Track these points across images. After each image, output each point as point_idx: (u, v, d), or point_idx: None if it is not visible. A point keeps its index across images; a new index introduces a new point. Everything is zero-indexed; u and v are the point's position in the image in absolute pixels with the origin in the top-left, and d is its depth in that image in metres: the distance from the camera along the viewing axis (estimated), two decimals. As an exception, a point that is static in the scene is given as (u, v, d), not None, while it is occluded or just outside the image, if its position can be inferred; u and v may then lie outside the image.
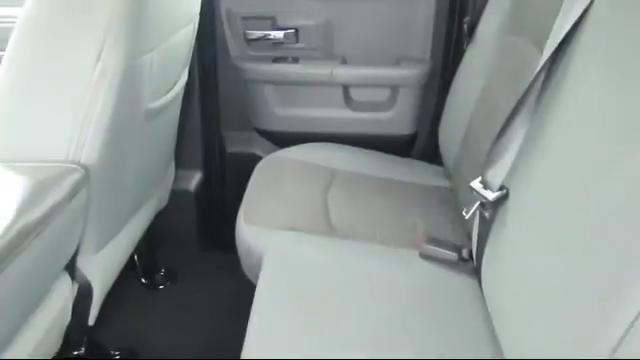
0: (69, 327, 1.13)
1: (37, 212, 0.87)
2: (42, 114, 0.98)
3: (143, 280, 1.66)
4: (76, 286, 1.12)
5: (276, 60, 1.71)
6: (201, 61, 1.61)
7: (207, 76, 1.67)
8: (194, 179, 1.74)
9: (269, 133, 1.78)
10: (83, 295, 1.14)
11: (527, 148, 0.92)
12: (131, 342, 1.44)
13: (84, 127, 0.99)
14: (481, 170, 0.99)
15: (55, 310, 1.05)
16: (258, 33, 1.68)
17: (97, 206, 1.07)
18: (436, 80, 1.71)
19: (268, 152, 1.60)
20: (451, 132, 1.47)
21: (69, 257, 1.06)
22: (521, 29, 1.21)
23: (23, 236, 0.83)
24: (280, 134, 1.74)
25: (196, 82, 1.62)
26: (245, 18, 1.67)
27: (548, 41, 0.94)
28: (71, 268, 1.10)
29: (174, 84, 1.35)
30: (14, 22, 1.00)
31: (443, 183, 1.48)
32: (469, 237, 1.13)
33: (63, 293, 1.07)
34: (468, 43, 1.48)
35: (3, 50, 1.00)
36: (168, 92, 1.30)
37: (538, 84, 0.92)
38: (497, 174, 0.96)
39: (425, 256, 1.14)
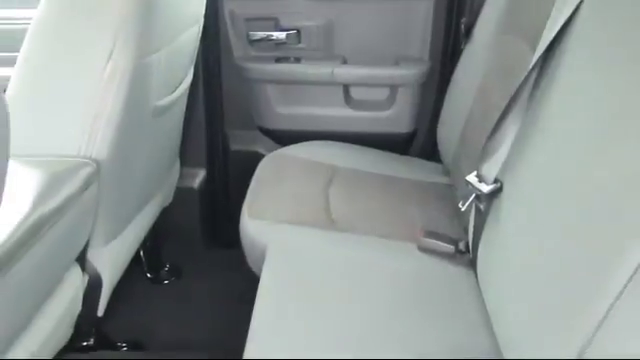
0: (79, 317, 1.17)
1: (52, 204, 0.91)
2: (56, 111, 1.01)
3: (149, 275, 1.69)
4: (86, 277, 1.16)
5: (278, 60, 1.74)
6: (205, 61, 1.64)
7: (211, 76, 1.69)
8: (198, 177, 1.76)
9: (272, 131, 1.80)
10: (93, 286, 1.18)
11: (520, 143, 0.96)
12: (137, 334, 1.46)
13: (95, 123, 1.03)
14: (477, 164, 1.03)
15: (67, 300, 1.08)
16: (261, 34, 1.71)
17: (107, 200, 1.11)
18: (434, 79, 1.74)
19: (271, 150, 1.62)
20: (449, 130, 1.50)
21: (80, 249, 1.10)
22: (516, 29, 1.25)
23: (38, 226, 0.87)
24: (282, 132, 1.77)
25: (200, 82, 1.64)
26: (248, 19, 1.71)
27: (540, 40, 0.98)
28: (82, 260, 1.13)
29: (180, 83, 1.38)
30: (28, 23, 1.05)
31: (441, 179, 1.51)
32: (466, 231, 1.16)
33: (74, 283, 1.11)
34: (465, 43, 1.51)
35: (17, 51, 1.05)
36: (174, 91, 1.33)
37: (530, 82, 0.96)
38: (491, 168, 1.00)
39: (423, 249, 1.17)
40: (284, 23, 1.72)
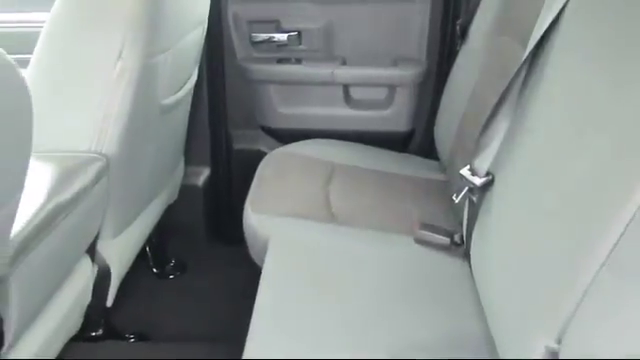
0: (89, 307, 1.21)
1: (65, 195, 0.96)
2: (68, 109, 1.06)
3: (154, 270, 1.72)
4: (96, 268, 1.20)
5: (280, 61, 1.77)
6: (209, 62, 1.67)
7: (215, 76, 1.73)
8: (202, 175, 1.80)
9: (274, 130, 1.83)
10: (102, 277, 1.22)
11: (510, 137, 1.00)
12: (144, 326, 1.50)
13: (105, 120, 1.08)
14: (470, 159, 1.07)
15: (77, 289, 1.13)
16: (263, 36, 1.74)
17: (116, 193, 1.16)
18: (431, 79, 1.77)
19: (273, 149, 1.65)
20: (446, 128, 1.54)
21: (91, 240, 1.15)
22: (509, 30, 1.29)
23: (53, 216, 0.92)
24: (284, 131, 1.80)
25: (204, 82, 1.68)
26: (251, 22, 1.74)
27: (530, 39, 1.02)
28: (92, 251, 1.18)
29: (185, 83, 1.43)
30: (41, 26, 1.09)
31: (438, 176, 1.55)
32: (461, 224, 1.20)
33: (85, 274, 1.16)
34: (461, 44, 1.55)
35: (30, 53, 1.09)
36: (180, 90, 1.38)
37: (520, 79, 1.00)
38: (484, 162, 1.04)
39: (419, 241, 1.20)
40: (285, 25, 1.75)
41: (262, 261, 1.17)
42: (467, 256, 1.11)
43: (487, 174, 1.03)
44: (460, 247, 1.18)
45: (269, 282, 1.09)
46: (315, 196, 1.36)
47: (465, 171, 1.08)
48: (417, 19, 1.74)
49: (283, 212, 1.28)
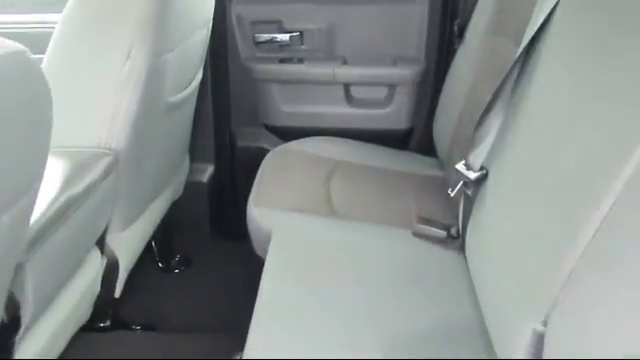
0: (98, 298, 1.25)
1: (77, 189, 1.00)
2: (79, 106, 1.10)
3: (160, 265, 1.75)
4: (105, 260, 1.24)
5: (282, 61, 1.80)
6: (214, 62, 1.71)
7: (219, 76, 1.76)
8: (207, 171, 1.83)
9: (276, 128, 1.86)
10: (110, 269, 1.26)
11: (503, 133, 1.04)
12: (150, 318, 1.54)
13: (115, 117, 1.13)
14: (465, 154, 1.11)
15: (87, 280, 1.17)
16: (266, 36, 1.77)
17: (124, 188, 1.20)
18: (430, 78, 1.79)
19: (276, 146, 1.68)
20: (444, 126, 1.58)
21: (100, 233, 1.19)
22: (503, 30, 1.33)
23: (66, 208, 0.96)
24: (286, 129, 1.83)
25: (209, 82, 1.72)
26: (254, 22, 1.77)
27: (523, 39, 1.06)
28: (101, 244, 1.22)
29: (190, 82, 1.47)
30: (53, 27, 1.14)
31: (436, 173, 1.58)
32: (457, 219, 1.24)
33: (94, 265, 1.20)
34: (458, 44, 1.59)
35: (43, 53, 1.14)
36: (185, 88, 1.42)
37: (512, 77, 1.04)
38: (478, 157, 1.08)
39: (417, 234, 1.24)
40: (288, 26, 1.78)
41: (265, 253, 1.20)
42: (463, 249, 1.15)
43: (481, 168, 1.07)
44: (456, 240, 1.21)
45: (271, 273, 1.12)
46: (316, 191, 1.40)
47: (460, 166, 1.12)
48: (416, 20, 1.77)
49: (285, 206, 1.32)
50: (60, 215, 0.94)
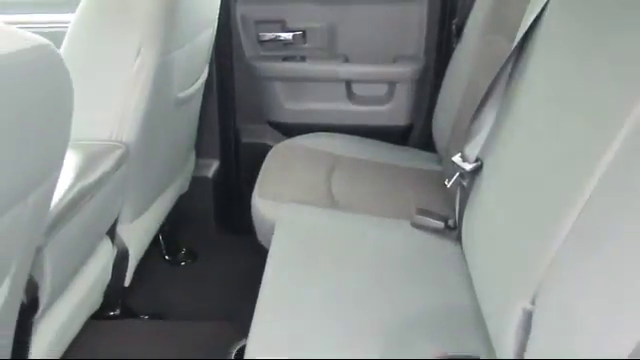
0: (108, 287, 1.30)
1: (90, 179, 1.05)
2: (92, 101, 1.15)
3: (167, 258, 1.79)
4: (115, 250, 1.29)
5: (286, 59, 1.84)
6: (219, 60, 1.75)
7: (224, 74, 1.80)
8: (212, 167, 1.87)
9: (280, 125, 1.90)
10: (121, 258, 1.31)
11: (497, 125, 1.09)
12: (157, 308, 1.58)
13: (125, 112, 1.18)
14: (461, 147, 1.16)
15: (99, 268, 1.22)
16: (269, 35, 1.81)
17: (134, 179, 1.25)
18: (429, 76, 1.83)
19: (279, 142, 1.69)
20: (442, 122, 1.62)
21: (111, 223, 1.24)
22: (499, 28, 1.37)
23: (80, 197, 1.01)
24: (290, 125, 1.86)
25: (214, 79, 1.76)
26: (258, 22, 1.82)
27: (517, 35, 1.11)
28: (112, 234, 1.27)
29: (197, 79, 1.52)
30: (66, 27, 1.19)
31: (435, 167, 1.62)
32: (455, 211, 1.28)
33: (105, 254, 1.25)
34: (457, 42, 1.63)
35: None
36: (192, 85, 1.47)
37: (506, 72, 1.09)
38: (473, 149, 1.13)
39: (416, 225, 1.27)
40: (291, 25, 1.82)
41: (269, 244, 1.24)
42: (459, 239, 1.19)
43: (476, 160, 1.12)
44: (453, 231, 1.25)
45: (275, 262, 1.16)
46: (318, 184, 1.44)
47: (457, 158, 1.16)
48: (415, 19, 1.81)
49: (288, 199, 1.36)
50: (75, 203, 0.99)
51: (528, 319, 0.78)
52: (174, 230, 1.81)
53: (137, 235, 1.35)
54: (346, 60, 1.85)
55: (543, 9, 1.01)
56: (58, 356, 1.08)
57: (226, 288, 1.68)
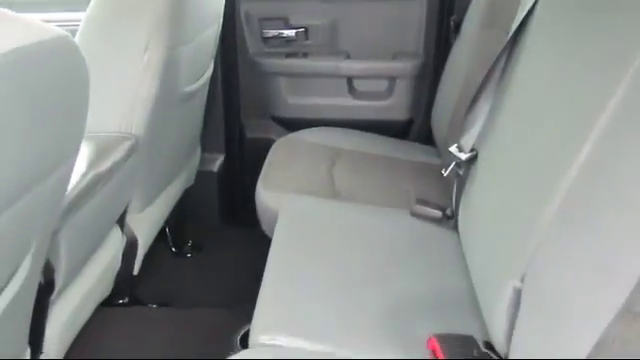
0: (118, 275, 1.35)
1: (102, 168, 1.10)
2: (103, 95, 1.18)
3: (173, 249, 1.82)
4: (125, 239, 1.34)
5: (289, 55, 1.88)
6: (224, 57, 1.79)
7: (229, 70, 1.84)
8: (217, 161, 1.91)
9: (283, 120, 1.94)
10: (130, 247, 1.36)
11: (491, 116, 1.13)
12: (164, 298, 1.61)
13: (135, 104, 1.22)
14: (458, 138, 1.20)
15: (109, 256, 1.27)
16: (273, 32, 1.86)
17: (143, 170, 1.30)
18: (428, 71, 1.87)
19: (283, 137, 1.74)
20: (441, 116, 1.66)
21: (121, 212, 1.29)
22: (495, 23, 1.41)
23: (93, 184, 1.06)
24: (293, 120, 1.90)
25: (219, 75, 1.80)
26: (261, 19, 1.86)
27: (511, 27, 1.15)
28: (121, 223, 1.32)
29: (202, 74, 1.57)
30: (77, 25, 1.24)
31: (434, 160, 1.66)
32: (452, 200, 1.32)
33: (115, 243, 1.30)
34: (455, 38, 1.67)
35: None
36: (198, 80, 1.52)
37: (500, 65, 1.13)
38: (469, 139, 1.17)
39: (415, 214, 1.30)
40: (293, 22, 1.86)
41: (272, 233, 1.27)
42: (456, 227, 1.22)
43: (472, 150, 1.16)
44: (451, 220, 1.29)
45: (278, 248, 1.20)
46: (321, 176, 1.49)
47: (453, 148, 1.21)
48: (415, 16, 1.84)
49: (291, 189, 1.41)
50: (88, 190, 1.04)
51: (518, 297, 0.82)
52: (180, 223, 1.85)
53: (145, 225, 1.40)
54: (347, 56, 1.89)
55: (535, 4, 1.06)
56: (71, 338, 1.13)
57: (231, 278, 1.71)
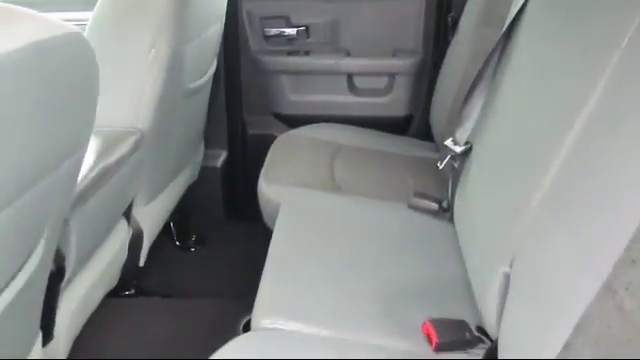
0: (124, 266, 1.39)
1: (110, 160, 1.14)
2: (110, 90, 1.22)
3: (178, 243, 1.86)
4: (131, 231, 1.38)
5: (290, 53, 1.92)
6: (226, 54, 1.83)
7: (231, 68, 1.88)
8: (220, 157, 1.94)
9: (285, 116, 1.97)
10: (136, 239, 1.40)
11: (485, 110, 1.17)
12: (169, 290, 1.65)
13: (141, 100, 1.27)
14: (453, 131, 1.24)
15: (116, 247, 1.31)
16: (274, 30, 1.89)
17: (148, 164, 1.34)
18: (427, 68, 1.90)
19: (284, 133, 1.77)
20: (440, 112, 1.69)
21: (127, 204, 1.33)
22: (491, 20, 1.44)
23: (101, 176, 1.10)
24: (294, 117, 1.94)
25: (222, 73, 1.84)
26: (263, 18, 1.89)
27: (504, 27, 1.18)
28: (127, 215, 1.36)
29: (206, 71, 1.61)
30: (85, 23, 1.28)
31: (433, 155, 1.68)
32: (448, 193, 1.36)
33: (122, 235, 1.34)
34: (452, 35, 1.71)
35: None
36: (201, 77, 1.56)
37: (494, 60, 1.17)
38: (463, 133, 1.21)
39: (412, 207, 1.34)
40: (295, 21, 1.89)
41: (274, 223, 1.31)
42: (452, 219, 1.26)
43: (466, 143, 1.20)
44: (447, 212, 1.32)
45: (279, 238, 1.23)
46: (321, 170, 1.52)
47: (449, 142, 1.25)
48: (413, 14, 1.88)
49: (292, 183, 1.44)
50: (97, 181, 1.08)
51: (508, 282, 0.86)
52: (184, 218, 1.88)
53: (151, 218, 1.44)
54: (347, 54, 1.93)
55: (526, 1, 1.09)
56: (80, 325, 1.17)
57: (233, 270, 1.75)
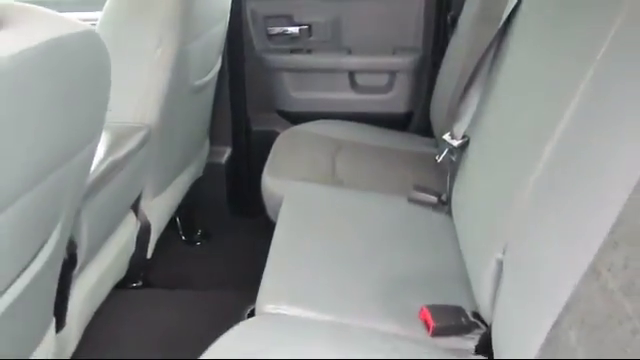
0: (132, 258, 1.43)
1: (118, 154, 1.18)
2: (119, 87, 1.26)
3: (183, 238, 1.90)
4: (139, 224, 1.43)
5: (293, 52, 1.95)
6: (231, 53, 1.87)
7: (235, 66, 1.91)
8: (225, 154, 1.98)
9: (288, 113, 2.01)
10: (143, 231, 1.44)
11: (481, 105, 1.21)
12: (175, 283, 1.69)
13: (148, 96, 1.31)
14: (451, 126, 1.28)
15: (124, 239, 1.35)
16: (277, 29, 1.92)
17: (155, 159, 1.38)
18: (427, 66, 1.93)
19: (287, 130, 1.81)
20: (439, 108, 1.73)
21: (135, 197, 1.37)
22: (488, 17, 1.47)
23: (111, 169, 1.14)
24: (297, 114, 1.97)
25: (226, 71, 1.87)
26: (266, 17, 1.93)
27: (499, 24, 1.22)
28: (135, 208, 1.41)
29: (211, 69, 1.65)
30: (94, 23, 1.32)
31: (432, 151, 1.71)
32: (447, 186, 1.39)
33: (130, 227, 1.38)
34: (452, 33, 1.74)
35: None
36: (207, 74, 1.60)
37: (489, 56, 1.20)
38: (461, 127, 1.25)
39: (412, 200, 1.37)
40: (297, 20, 1.93)
41: (277, 216, 1.35)
42: (450, 212, 1.29)
43: (463, 137, 1.24)
44: (446, 205, 1.35)
45: (282, 229, 1.26)
46: (323, 165, 1.56)
47: (447, 136, 1.28)
48: (414, 12, 1.91)
49: (295, 177, 1.48)
50: (106, 174, 1.13)
51: (501, 268, 0.90)
52: (190, 213, 1.92)
53: (158, 211, 1.48)
54: (349, 52, 1.96)
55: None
56: (90, 314, 1.21)
57: (238, 263, 1.77)
